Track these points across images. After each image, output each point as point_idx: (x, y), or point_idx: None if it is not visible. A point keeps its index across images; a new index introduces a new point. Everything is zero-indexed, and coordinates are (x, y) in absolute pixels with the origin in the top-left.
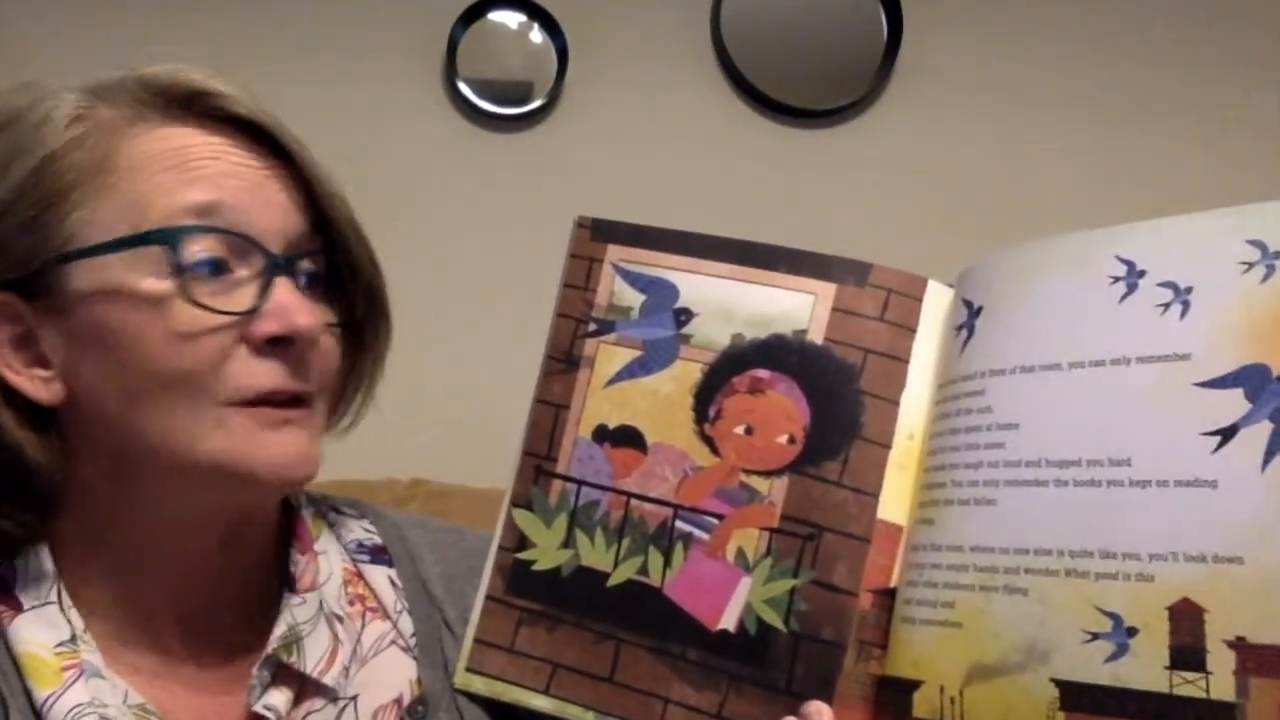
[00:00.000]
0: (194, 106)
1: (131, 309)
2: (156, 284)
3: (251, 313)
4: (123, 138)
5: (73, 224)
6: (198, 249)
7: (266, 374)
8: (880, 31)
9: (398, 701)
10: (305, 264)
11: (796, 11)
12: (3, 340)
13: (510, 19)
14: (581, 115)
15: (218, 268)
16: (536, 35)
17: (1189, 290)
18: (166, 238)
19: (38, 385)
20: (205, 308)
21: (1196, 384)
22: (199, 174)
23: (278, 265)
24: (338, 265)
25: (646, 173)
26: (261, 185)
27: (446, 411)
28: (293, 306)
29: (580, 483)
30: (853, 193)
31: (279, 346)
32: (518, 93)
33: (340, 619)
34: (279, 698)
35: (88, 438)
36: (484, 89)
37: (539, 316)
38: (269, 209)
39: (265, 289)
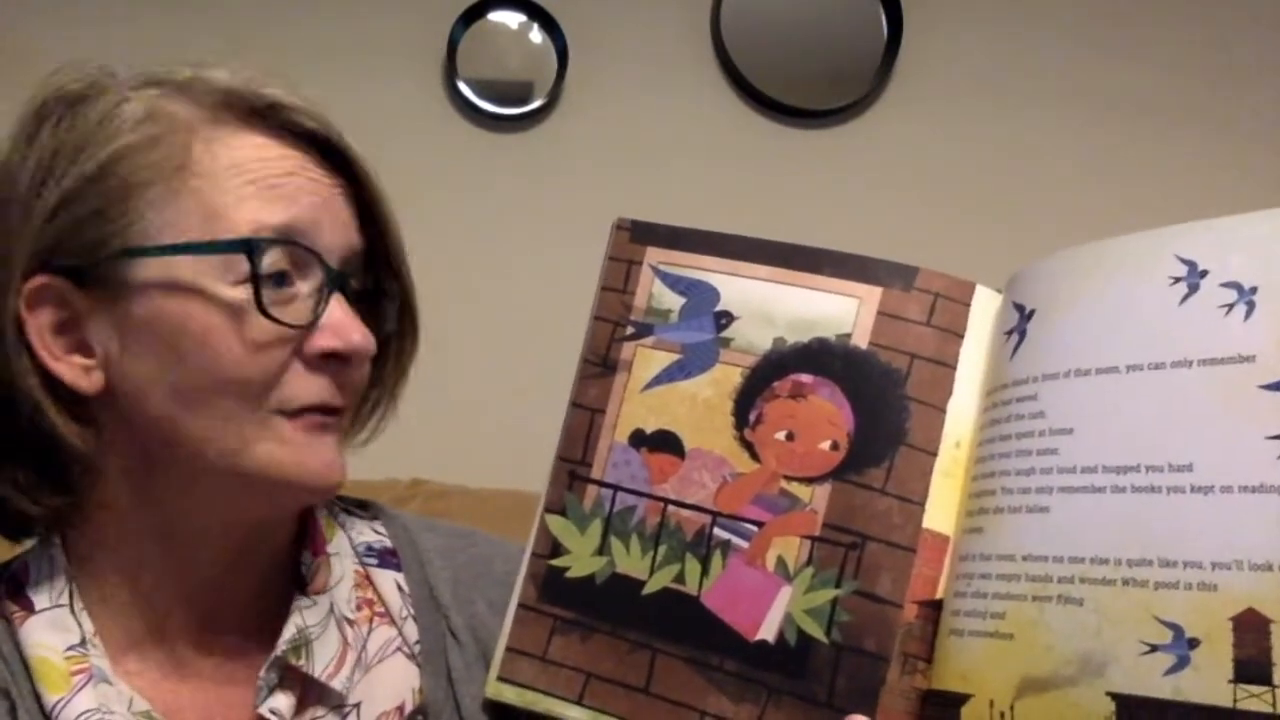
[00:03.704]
0: (270, 118)
1: (200, 309)
2: (229, 290)
3: (310, 326)
4: (201, 141)
5: (147, 221)
6: (269, 261)
7: (316, 389)
8: (880, 31)
9: (400, 709)
10: (353, 281)
11: (796, 11)
12: (46, 324)
13: (510, 19)
14: (581, 115)
15: (281, 280)
16: (536, 35)
17: (1253, 290)
18: (249, 248)
19: (77, 372)
20: (276, 320)
21: (1262, 386)
22: (277, 191)
23: (334, 281)
24: (376, 281)
25: (647, 173)
26: (329, 201)
27: (446, 411)
28: (349, 325)
29: (615, 488)
30: (853, 193)
31: (330, 361)
32: (518, 93)
33: (350, 622)
34: (284, 701)
35: (123, 432)
36: (484, 89)
37: (540, 316)
38: (334, 226)
39: (321, 303)
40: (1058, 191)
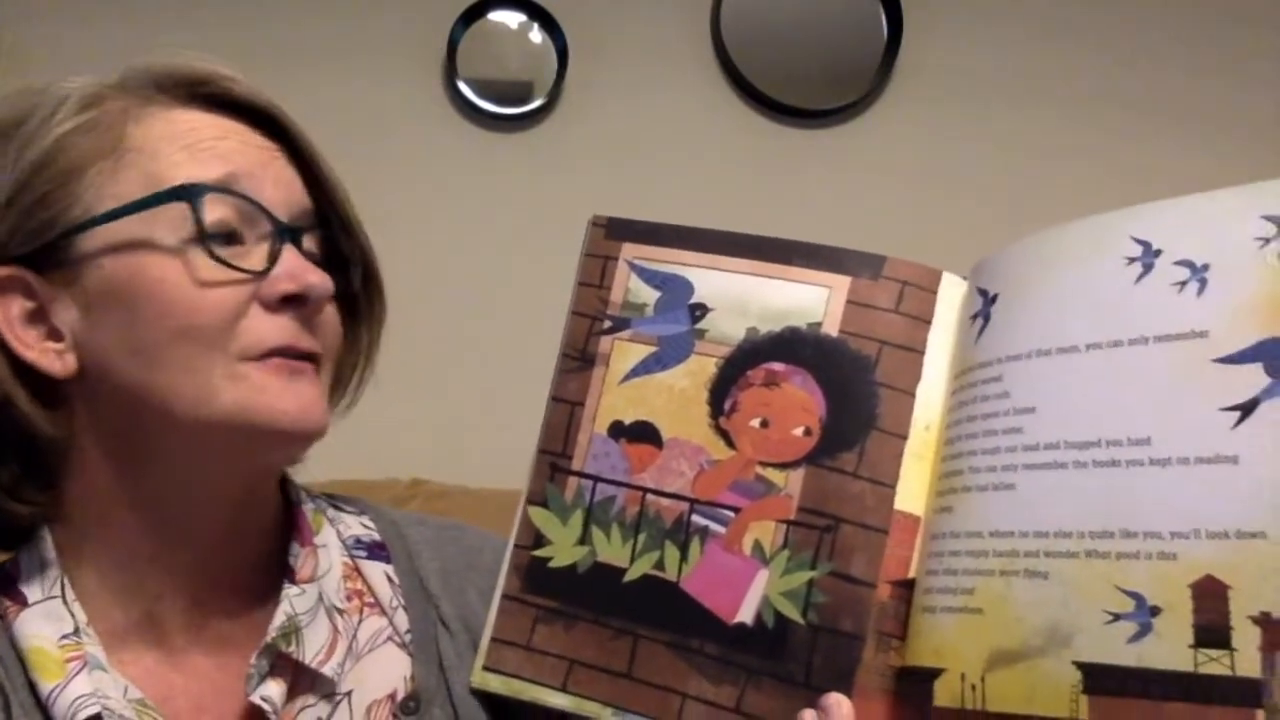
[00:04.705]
0: (199, 91)
1: (150, 262)
2: (176, 244)
3: (264, 273)
4: (134, 120)
5: (89, 199)
6: (214, 217)
7: (279, 330)
8: (880, 31)
9: (391, 697)
10: (307, 240)
11: (796, 11)
12: (15, 315)
13: (510, 19)
14: (581, 115)
15: (230, 238)
16: (536, 35)
17: (1205, 268)
18: (187, 194)
19: (50, 358)
20: (224, 262)
21: (1215, 360)
22: (211, 151)
23: (285, 232)
24: (333, 246)
25: (646, 173)
26: (268, 162)
27: (446, 411)
28: (304, 267)
29: (596, 479)
30: (853, 193)
31: (291, 305)
32: (518, 93)
33: (340, 612)
34: (275, 689)
35: (98, 412)
36: (484, 89)
37: (539, 316)
38: (277, 182)
39: (274, 254)
40: (1057, 191)
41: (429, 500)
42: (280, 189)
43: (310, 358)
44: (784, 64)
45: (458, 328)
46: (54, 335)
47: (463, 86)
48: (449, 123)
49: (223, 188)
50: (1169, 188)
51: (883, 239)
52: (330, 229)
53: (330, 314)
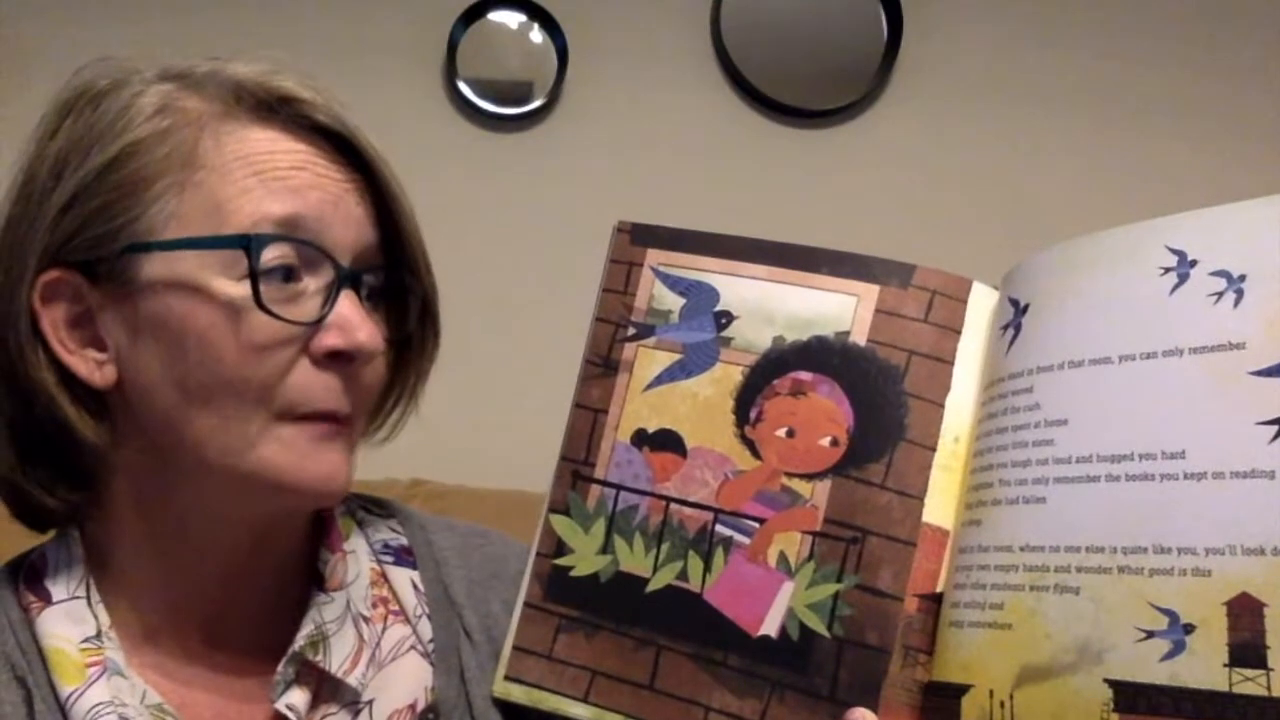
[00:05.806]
0: (281, 111)
1: (202, 308)
2: (231, 287)
3: (317, 323)
4: (210, 134)
5: (152, 215)
6: (273, 256)
7: (322, 390)
8: (880, 31)
9: (412, 708)
10: (369, 278)
11: (796, 11)
12: (60, 318)
13: (510, 19)
14: (581, 115)
15: (288, 275)
16: (536, 35)
17: (1242, 278)
18: (248, 244)
19: (90, 366)
20: (276, 317)
21: (1252, 373)
22: (283, 183)
23: (344, 278)
24: (397, 279)
25: (646, 173)
26: (341, 199)
27: (446, 411)
28: (355, 322)
29: (619, 487)
30: (853, 193)
31: (338, 360)
32: (518, 93)
33: (366, 620)
34: (299, 697)
35: (134, 426)
36: (484, 89)
37: (539, 316)
38: (345, 223)
39: (330, 300)
40: (1057, 191)
41: (429, 500)
42: (348, 229)
43: (348, 418)
44: (784, 64)
45: (457, 328)
46: (97, 344)
47: (463, 86)
48: (449, 123)
49: (286, 236)
50: (1169, 187)
51: (883, 239)
52: (395, 265)
53: (376, 364)
